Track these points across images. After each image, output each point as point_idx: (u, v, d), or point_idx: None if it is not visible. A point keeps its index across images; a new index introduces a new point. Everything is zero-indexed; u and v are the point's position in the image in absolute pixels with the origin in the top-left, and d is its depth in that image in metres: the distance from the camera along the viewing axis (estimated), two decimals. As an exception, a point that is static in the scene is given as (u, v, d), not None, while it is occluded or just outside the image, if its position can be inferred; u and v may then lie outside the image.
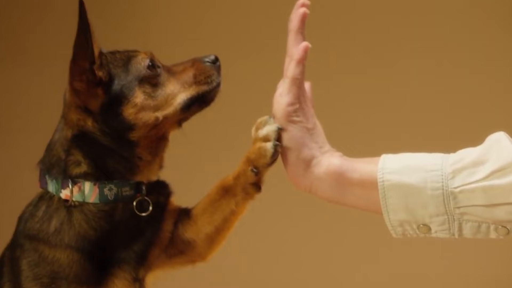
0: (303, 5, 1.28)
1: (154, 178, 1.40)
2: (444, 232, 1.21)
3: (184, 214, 1.43)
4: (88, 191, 1.33)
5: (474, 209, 1.17)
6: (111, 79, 1.34)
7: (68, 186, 1.33)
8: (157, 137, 1.38)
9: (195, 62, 1.41)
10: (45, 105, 2.55)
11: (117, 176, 1.34)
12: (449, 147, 1.24)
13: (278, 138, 1.28)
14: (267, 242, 2.79)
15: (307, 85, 1.32)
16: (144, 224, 1.37)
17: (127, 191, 1.35)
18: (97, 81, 1.33)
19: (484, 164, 1.17)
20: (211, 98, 1.40)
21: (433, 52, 2.66)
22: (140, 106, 1.34)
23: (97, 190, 1.33)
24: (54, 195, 1.35)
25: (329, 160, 1.26)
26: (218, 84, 1.41)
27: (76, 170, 1.34)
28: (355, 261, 2.74)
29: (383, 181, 1.21)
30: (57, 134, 1.38)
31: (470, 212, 1.18)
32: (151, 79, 1.36)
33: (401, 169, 1.21)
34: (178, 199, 1.44)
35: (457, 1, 2.65)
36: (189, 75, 1.40)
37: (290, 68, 1.28)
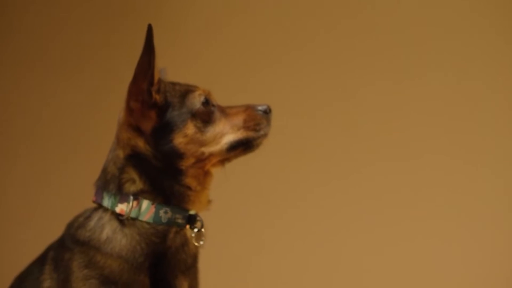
0: None
1: (203, 210, 1.42)
2: None
3: None
4: (144, 209, 1.36)
5: None
6: (166, 105, 1.38)
7: (126, 201, 1.36)
8: (203, 171, 1.41)
9: (248, 108, 1.46)
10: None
11: (173, 201, 1.38)
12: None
13: None
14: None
15: None
16: (192, 262, 1.40)
17: (179, 218, 1.38)
18: (152, 103, 1.37)
19: None
20: (256, 145, 1.44)
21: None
22: (190, 138, 1.38)
23: (153, 210, 1.36)
24: (108, 209, 1.38)
25: None
26: (265, 134, 1.44)
27: (132, 188, 1.37)
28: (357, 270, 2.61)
29: None
30: (110, 154, 1.42)
31: None
32: (204, 116, 1.40)
33: None
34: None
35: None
36: (240, 119, 1.44)
37: None
